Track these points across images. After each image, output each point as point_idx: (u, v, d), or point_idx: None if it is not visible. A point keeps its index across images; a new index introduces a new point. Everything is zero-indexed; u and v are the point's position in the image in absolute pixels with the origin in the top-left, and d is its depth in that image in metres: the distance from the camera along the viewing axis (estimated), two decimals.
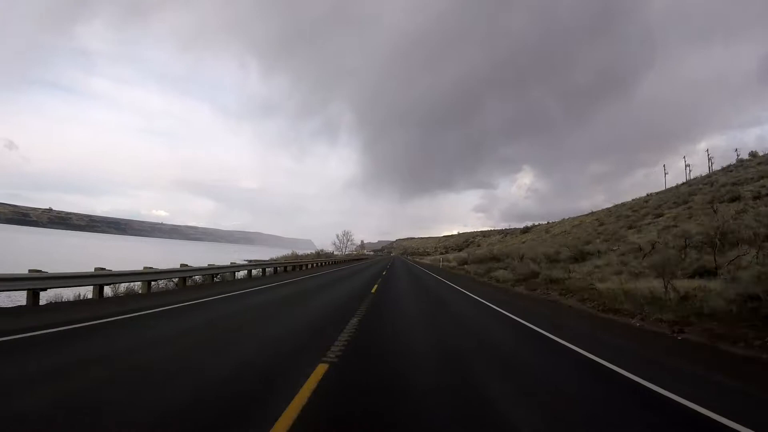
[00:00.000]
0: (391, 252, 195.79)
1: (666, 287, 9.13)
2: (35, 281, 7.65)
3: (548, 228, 64.70)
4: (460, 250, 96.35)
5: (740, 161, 37.79)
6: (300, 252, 62.58)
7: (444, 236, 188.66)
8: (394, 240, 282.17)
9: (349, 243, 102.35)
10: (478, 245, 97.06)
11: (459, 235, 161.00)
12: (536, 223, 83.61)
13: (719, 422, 3.22)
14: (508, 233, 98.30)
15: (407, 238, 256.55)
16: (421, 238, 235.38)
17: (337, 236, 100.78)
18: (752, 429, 3.06)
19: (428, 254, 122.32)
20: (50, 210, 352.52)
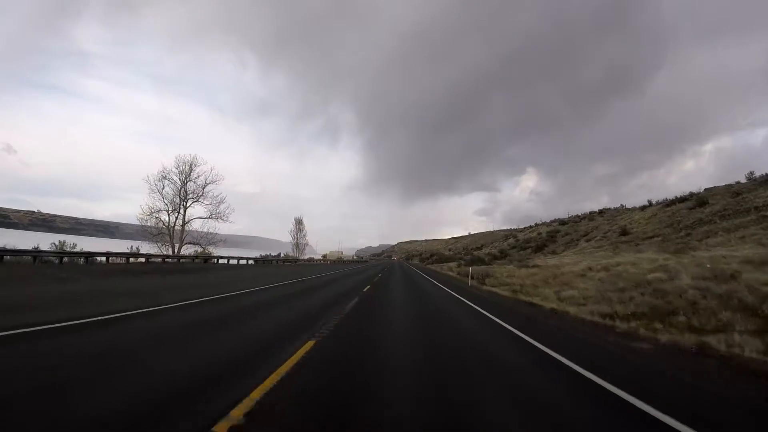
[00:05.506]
0: (391, 256, 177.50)
1: None
2: None
3: None
4: (542, 249, 42.93)
5: None
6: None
7: (453, 238, 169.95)
8: (395, 243, 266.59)
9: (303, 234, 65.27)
10: (585, 235, 40.48)
11: (471, 236, 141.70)
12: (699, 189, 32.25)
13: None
14: (619, 214, 43.24)
15: (409, 241, 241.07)
16: (426, 240, 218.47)
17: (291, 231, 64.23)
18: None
19: (486, 260, 42.45)
20: (33, 212, 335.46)
